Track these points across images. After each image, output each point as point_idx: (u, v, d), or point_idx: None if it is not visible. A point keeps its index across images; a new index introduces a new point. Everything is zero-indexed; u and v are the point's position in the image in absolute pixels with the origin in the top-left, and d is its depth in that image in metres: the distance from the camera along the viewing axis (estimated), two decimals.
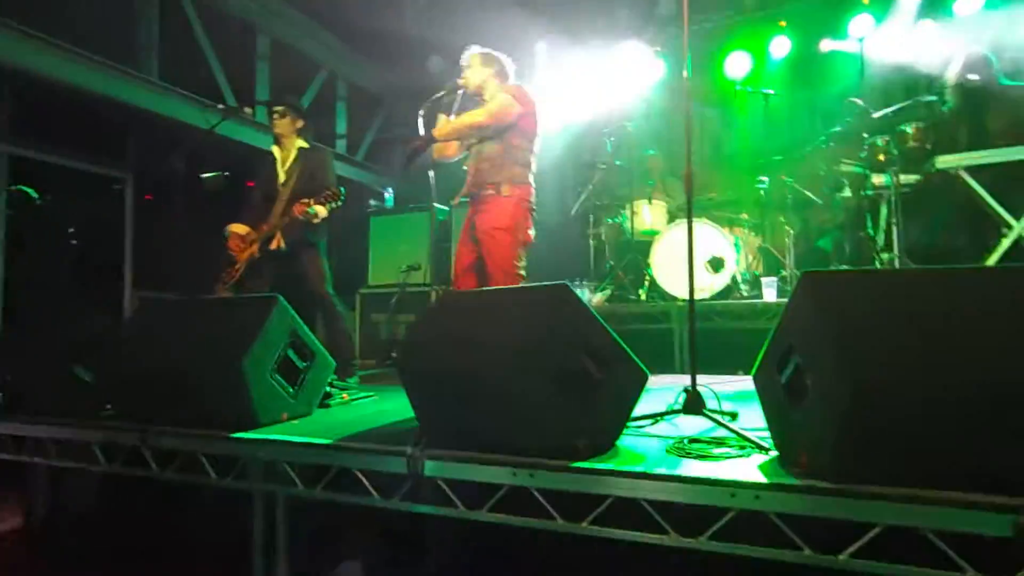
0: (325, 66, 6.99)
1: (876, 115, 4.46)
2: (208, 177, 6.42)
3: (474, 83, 3.03)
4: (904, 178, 4.31)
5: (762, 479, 1.39)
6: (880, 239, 4.52)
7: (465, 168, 3.14)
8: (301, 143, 3.43)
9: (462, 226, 3.11)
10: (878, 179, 4.46)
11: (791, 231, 4.76)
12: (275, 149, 3.47)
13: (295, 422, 2.27)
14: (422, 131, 2.97)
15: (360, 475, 1.82)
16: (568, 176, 6.74)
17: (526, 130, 2.98)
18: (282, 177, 3.37)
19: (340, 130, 7.32)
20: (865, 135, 4.51)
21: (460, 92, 3.05)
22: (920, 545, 1.25)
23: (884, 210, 4.51)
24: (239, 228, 3.34)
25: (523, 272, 2.92)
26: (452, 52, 3.22)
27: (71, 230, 5.56)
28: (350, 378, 3.25)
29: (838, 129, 4.65)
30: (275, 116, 3.37)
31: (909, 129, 4.42)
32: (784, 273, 4.67)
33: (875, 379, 1.29)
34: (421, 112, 2.99)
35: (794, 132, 6.07)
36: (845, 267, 4.47)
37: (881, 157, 4.39)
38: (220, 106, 3.77)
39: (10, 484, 3.13)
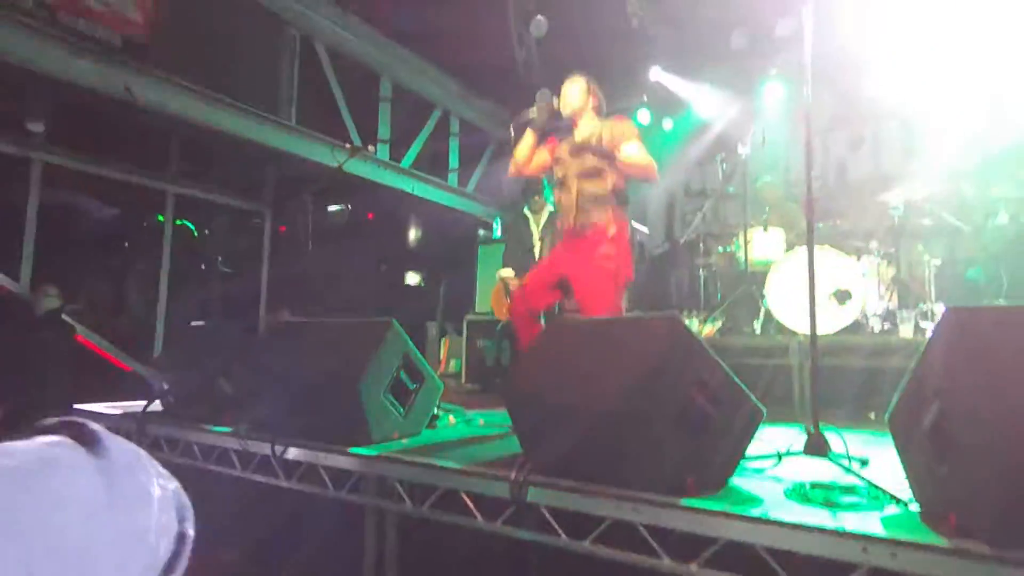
0: (439, 104, 7.41)
1: None
2: (334, 210, 7.01)
3: (571, 108, 2.94)
4: None
5: (901, 535, 1.25)
6: None
7: (556, 201, 3.05)
8: (549, 207, 4.37)
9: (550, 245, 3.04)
10: None
11: (933, 262, 4.29)
12: (527, 212, 4.51)
13: (404, 441, 2.37)
14: (514, 144, 3.00)
15: (465, 497, 1.85)
16: (678, 203, 6.60)
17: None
18: (536, 233, 4.40)
19: (453, 164, 7.68)
20: None
21: (553, 115, 2.96)
22: None
23: None
24: (508, 273, 4.34)
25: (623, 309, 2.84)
26: (560, 85, 3.26)
27: (219, 259, 6.28)
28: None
29: (995, 150, 4.15)
30: (536, 197, 4.44)
31: None
32: (924, 307, 4.21)
33: None
34: (512, 125, 3.04)
35: (937, 153, 5.51)
36: (1002, 302, 3.94)
37: None
38: (347, 145, 4.21)
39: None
